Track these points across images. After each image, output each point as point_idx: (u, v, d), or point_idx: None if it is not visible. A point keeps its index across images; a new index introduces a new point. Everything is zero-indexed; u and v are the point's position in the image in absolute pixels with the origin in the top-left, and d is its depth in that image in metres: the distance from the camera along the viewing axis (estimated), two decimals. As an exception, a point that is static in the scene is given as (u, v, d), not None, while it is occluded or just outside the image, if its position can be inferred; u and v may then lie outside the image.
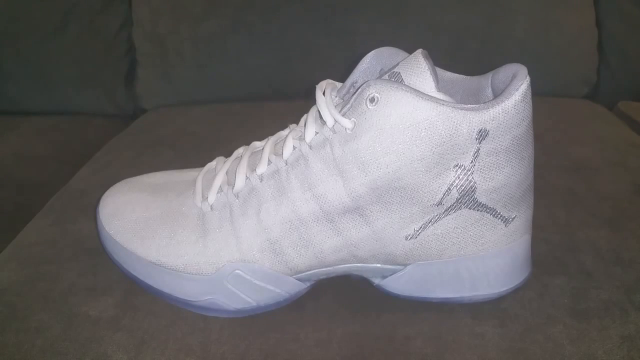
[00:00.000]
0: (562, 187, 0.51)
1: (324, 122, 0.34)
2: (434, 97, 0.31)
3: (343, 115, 0.33)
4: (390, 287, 0.37)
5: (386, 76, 0.34)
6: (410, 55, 0.34)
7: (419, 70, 0.33)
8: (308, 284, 0.38)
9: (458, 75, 0.37)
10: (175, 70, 0.81)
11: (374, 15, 0.77)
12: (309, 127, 0.35)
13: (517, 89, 0.31)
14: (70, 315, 0.37)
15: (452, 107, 0.31)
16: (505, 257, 0.36)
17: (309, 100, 0.37)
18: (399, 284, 0.37)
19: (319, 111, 0.35)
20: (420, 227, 0.34)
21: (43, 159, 0.71)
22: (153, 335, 0.36)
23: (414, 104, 0.31)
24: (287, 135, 0.37)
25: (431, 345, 0.34)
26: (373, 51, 0.37)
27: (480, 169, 0.32)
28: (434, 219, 0.34)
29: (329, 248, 0.35)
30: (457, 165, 0.32)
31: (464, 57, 0.76)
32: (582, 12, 0.79)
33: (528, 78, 0.32)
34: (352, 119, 0.33)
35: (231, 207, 0.36)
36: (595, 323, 0.35)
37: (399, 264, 0.36)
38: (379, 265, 0.37)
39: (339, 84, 0.38)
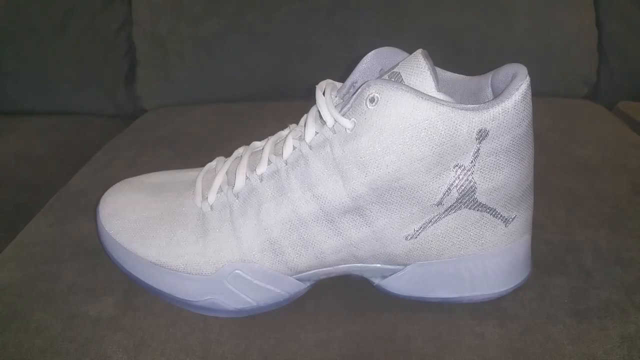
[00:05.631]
0: (562, 187, 0.51)
1: (324, 122, 0.34)
2: (434, 97, 0.31)
3: (343, 115, 0.33)
4: (390, 287, 0.37)
5: (386, 76, 0.34)
6: (410, 55, 0.34)
7: (419, 70, 0.33)
8: (308, 284, 0.38)
9: (458, 75, 0.37)
10: (175, 70, 0.81)
11: (374, 15, 0.77)
12: (309, 127, 0.35)
13: (517, 89, 0.31)
14: (70, 315, 0.37)
15: (452, 107, 0.31)
16: (505, 257, 0.36)
17: (309, 100, 0.37)
18: (399, 284, 0.37)
19: (319, 111, 0.35)
20: (420, 227, 0.34)
21: (43, 159, 0.71)
22: (153, 335, 0.36)
23: (414, 104, 0.31)
24: (287, 135, 0.37)
25: (431, 345, 0.34)
26: (373, 51, 0.37)
27: (480, 169, 0.32)
28: (434, 219, 0.34)
29: (329, 248, 0.35)
30: (457, 165, 0.32)
31: (464, 57, 0.76)
32: (582, 12, 0.79)
33: (528, 78, 0.32)
34: (352, 119, 0.33)
35: (231, 207, 0.36)
36: (595, 323, 0.35)
37: (399, 264, 0.36)
38: (379, 265, 0.37)
39: (339, 84, 0.38)
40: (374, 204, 0.33)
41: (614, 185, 0.51)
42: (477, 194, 0.33)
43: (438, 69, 0.37)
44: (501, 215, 0.34)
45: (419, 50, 0.34)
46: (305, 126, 0.35)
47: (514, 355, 0.33)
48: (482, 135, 0.31)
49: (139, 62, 0.84)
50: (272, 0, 0.78)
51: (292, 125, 0.39)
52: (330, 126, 0.34)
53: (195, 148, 0.63)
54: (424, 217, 0.34)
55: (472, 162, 0.32)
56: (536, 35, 0.77)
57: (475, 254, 0.35)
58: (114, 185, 0.43)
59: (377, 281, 0.38)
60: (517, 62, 0.34)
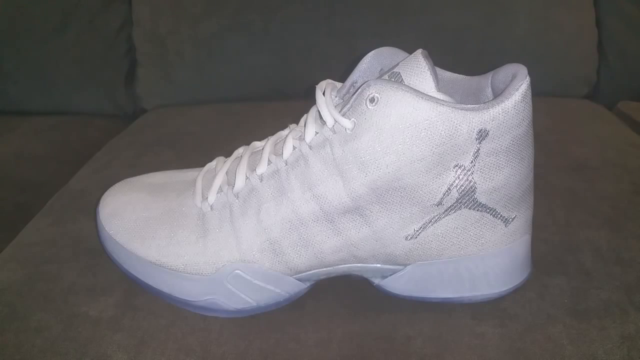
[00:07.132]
0: (562, 187, 0.51)
1: (324, 122, 0.34)
2: (434, 97, 0.31)
3: (343, 116, 0.33)
4: (390, 287, 0.37)
5: (386, 76, 0.34)
6: (410, 55, 0.34)
7: (419, 70, 0.33)
8: (308, 284, 0.38)
9: (458, 75, 0.37)
10: (175, 70, 0.81)
11: (374, 15, 0.77)
12: (309, 127, 0.35)
13: (517, 89, 0.31)
14: (70, 315, 0.37)
15: (452, 107, 0.31)
16: (505, 257, 0.36)
17: (309, 100, 0.37)
18: (399, 284, 0.37)
19: (319, 111, 0.35)
20: (420, 227, 0.34)
21: (43, 159, 0.71)
22: (153, 335, 0.36)
23: (414, 104, 0.31)
24: (287, 135, 0.37)
25: (431, 345, 0.34)
26: (373, 51, 0.37)
27: (480, 169, 0.32)
28: (434, 219, 0.34)
29: (329, 248, 0.35)
30: (457, 166, 0.32)
31: (464, 57, 0.76)
32: (582, 12, 0.79)
33: (528, 78, 0.32)
34: (352, 119, 0.33)
35: (231, 207, 0.36)
36: (595, 323, 0.35)
37: (399, 264, 0.36)
38: (379, 265, 0.37)
39: (339, 84, 0.38)
40: (374, 204, 0.34)
41: (614, 185, 0.51)
42: (477, 194, 0.33)
43: (438, 69, 0.37)
44: (501, 215, 0.34)
45: (419, 50, 0.34)
46: (305, 126, 0.35)
47: (514, 355, 0.33)
48: (482, 135, 0.31)
49: (139, 62, 0.84)
50: (272, 0, 0.78)
51: (292, 125, 0.39)
52: (330, 126, 0.34)
53: (195, 148, 0.63)
54: (424, 217, 0.34)
55: (472, 162, 0.32)
56: (536, 35, 0.77)
57: (475, 254, 0.35)
58: (114, 185, 0.43)
59: (377, 281, 0.38)
60: (517, 62, 0.34)
